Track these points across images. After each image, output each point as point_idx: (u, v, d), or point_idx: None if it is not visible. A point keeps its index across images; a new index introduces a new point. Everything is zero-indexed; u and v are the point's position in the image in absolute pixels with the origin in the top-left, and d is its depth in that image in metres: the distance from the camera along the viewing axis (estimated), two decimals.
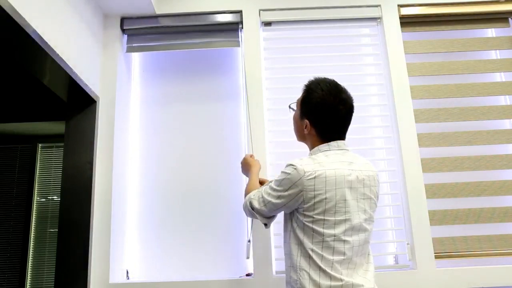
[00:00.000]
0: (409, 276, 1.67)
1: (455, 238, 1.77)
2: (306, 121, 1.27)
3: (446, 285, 1.66)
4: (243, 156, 1.67)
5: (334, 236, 1.13)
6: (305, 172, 1.15)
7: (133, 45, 1.97)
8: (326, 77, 1.32)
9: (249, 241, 1.69)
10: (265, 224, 1.34)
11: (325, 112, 1.24)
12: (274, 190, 1.23)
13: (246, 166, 1.60)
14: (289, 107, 1.43)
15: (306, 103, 1.29)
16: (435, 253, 1.71)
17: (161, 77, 2.05)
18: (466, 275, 1.67)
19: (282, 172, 1.22)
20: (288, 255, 1.20)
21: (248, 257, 1.67)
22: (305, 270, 1.13)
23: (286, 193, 1.18)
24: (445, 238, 1.77)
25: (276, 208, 1.24)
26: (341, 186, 1.15)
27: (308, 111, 1.28)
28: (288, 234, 1.22)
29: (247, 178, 1.58)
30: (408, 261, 1.73)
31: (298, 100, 1.36)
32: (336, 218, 1.14)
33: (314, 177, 1.14)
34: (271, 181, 1.29)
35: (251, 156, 1.65)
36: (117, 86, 1.85)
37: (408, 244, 1.75)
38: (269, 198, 1.24)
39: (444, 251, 1.75)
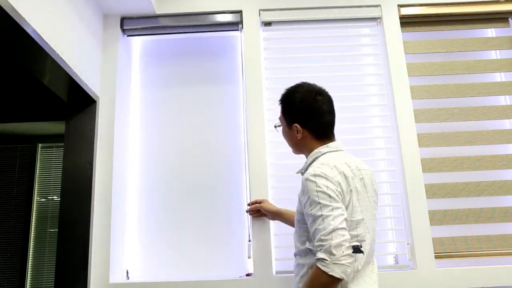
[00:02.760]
0: (409, 276, 1.67)
1: (455, 238, 1.77)
2: (295, 125, 1.28)
3: (446, 285, 1.65)
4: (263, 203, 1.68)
5: (357, 236, 1.12)
6: (328, 176, 1.12)
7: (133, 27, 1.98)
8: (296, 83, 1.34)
9: (249, 241, 1.69)
10: (359, 249, 1.07)
11: (309, 108, 1.26)
12: (324, 206, 1.04)
13: (271, 212, 1.63)
14: (275, 126, 1.42)
15: (288, 110, 1.32)
16: (435, 253, 1.71)
17: (162, 77, 2.05)
18: (466, 275, 1.66)
19: (313, 190, 1.07)
20: (301, 265, 1.18)
21: (249, 257, 1.67)
22: None
23: (331, 192, 1.07)
24: (445, 238, 1.77)
25: (345, 214, 1.07)
26: (354, 186, 1.16)
27: (293, 114, 1.29)
28: (302, 245, 1.19)
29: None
30: (408, 261, 1.73)
31: (279, 116, 1.37)
32: (357, 218, 1.14)
33: (339, 176, 1.14)
34: (308, 213, 1.09)
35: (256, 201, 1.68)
36: (117, 86, 1.85)
37: (408, 244, 1.74)
38: (331, 213, 1.02)
39: (444, 251, 1.75)
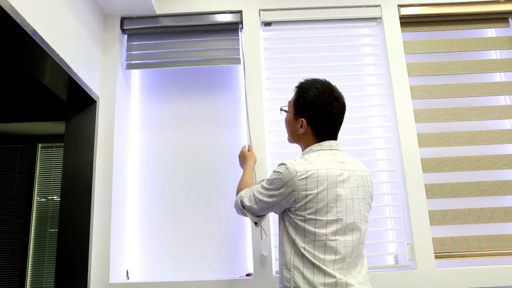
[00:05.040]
0: (409, 276, 1.67)
1: (455, 238, 1.77)
2: (302, 120, 1.26)
3: (446, 285, 1.66)
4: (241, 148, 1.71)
5: (326, 235, 1.13)
6: (296, 172, 1.15)
7: (132, 62, 1.96)
8: (317, 77, 1.32)
9: (262, 237, 1.66)
10: (255, 223, 1.35)
11: (320, 109, 1.25)
12: (266, 189, 1.23)
13: (242, 160, 1.66)
14: (281, 109, 1.41)
15: (300, 102, 1.29)
16: (435, 253, 1.71)
17: (162, 76, 2.05)
18: (466, 275, 1.67)
19: (274, 171, 1.22)
20: (282, 253, 1.20)
21: (264, 254, 1.66)
22: (299, 268, 1.13)
23: (277, 192, 1.18)
24: (445, 238, 1.77)
25: (267, 207, 1.24)
26: (333, 186, 1.15)
27: (304, 109, 1.27)
28: (281, 233, 1.22)
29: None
30: (408, 261, 1.73)
31: (290, 101, 1.36)
32: (328, 218, 1.13)
33: (306, 177, 1.14)
34: (263, 180, 1.30)
35: (249, 148, 1.68)
36: (117, 86, 1.85)
37: (408, 244, 1.75)
38: (261, 197, 1.24)
39: (444, 251, 1.75)
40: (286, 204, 1.18)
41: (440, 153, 1.87)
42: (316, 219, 1.13)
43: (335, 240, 1.13)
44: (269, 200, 1.21)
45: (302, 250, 1.13)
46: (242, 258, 1.81)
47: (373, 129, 1.93)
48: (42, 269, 3.12)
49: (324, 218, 1.13)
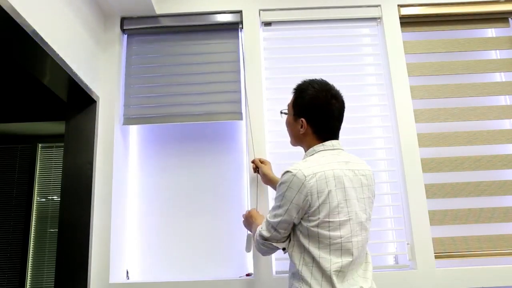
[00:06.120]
0: (409, 276, 1.67)
1: (455, 238, 1.77)
2: (301, 119, 1.26)
3: (446, 285, 1.66)
4: (248, 209, 1.61)
5: (341, 237, 1.12)
6: (305, 176, 1.13)
7: (131, 117, 1.89)
8: (314, 77, 1.32)
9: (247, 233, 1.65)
10: (284, 249, 1.23)
11: (319, 107, 1.24)
12: (279, 207, 1.18)
13: (250, 219, 1.49)
14: (281, 112, 1.40)
15: (299, 103, 1.28)
16: (435, 253, 1.71)
17: (162, 73, 2.05)
18: (466, 275, 1.67)
19: (281, 183, 1.17)
20: (291, 263, 1.20)
21: (247, 252, 1.63)
22: (307, 280, 1.12)
23: (291, 203, 1.14)
24: (445, 238, 1.77)
25: (288, 225, 1.18)
26: (341, 186, 1.15)
27: (303, 109, 1.27)
28: (291, 243, 1.21)
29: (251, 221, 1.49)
30: (408, 261, 1.73)
31: (289, 104, 1.35)
32: (340, 219, 1.13)
33: (316, 180, 1.13)
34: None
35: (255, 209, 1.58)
36: (117, 86, 1.85)
37: (408, 244, 1.75)
38: (277, 219, 1.18)
39: (444, 251, 1.75)
40: (302, 212, 1.15)
41: (440, 153, 1.87)
42: (329, 221, 1.12)
43: (351, 241, 1.13)
44: (286, 217, 1.16)
45: (318, 258, 1.11)
46: (242, 258, 1.81)
47: (373, 129, 1.93)
48: (42, 269, 3.12)
49: (337, 219, 1.12)
